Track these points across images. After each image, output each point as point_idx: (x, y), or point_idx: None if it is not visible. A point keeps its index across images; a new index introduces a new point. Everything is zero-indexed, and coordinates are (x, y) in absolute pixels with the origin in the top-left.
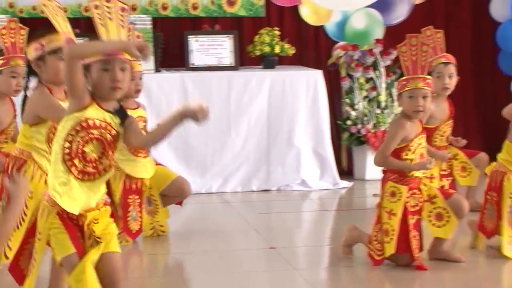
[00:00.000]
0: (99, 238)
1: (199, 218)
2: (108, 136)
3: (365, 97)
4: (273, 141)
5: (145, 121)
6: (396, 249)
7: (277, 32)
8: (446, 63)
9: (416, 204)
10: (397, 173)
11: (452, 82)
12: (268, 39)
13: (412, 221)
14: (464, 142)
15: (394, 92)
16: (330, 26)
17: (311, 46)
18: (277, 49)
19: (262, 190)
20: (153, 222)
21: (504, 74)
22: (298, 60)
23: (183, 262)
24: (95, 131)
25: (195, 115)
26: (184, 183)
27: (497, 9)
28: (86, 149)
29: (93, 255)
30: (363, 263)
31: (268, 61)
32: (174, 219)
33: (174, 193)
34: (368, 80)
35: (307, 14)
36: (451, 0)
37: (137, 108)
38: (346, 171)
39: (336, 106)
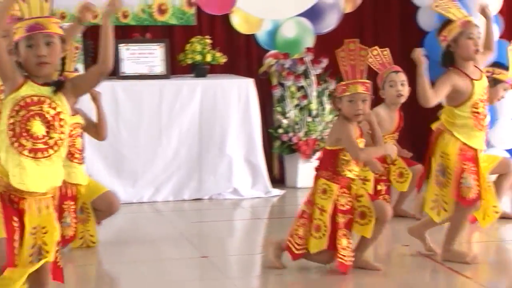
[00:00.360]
0: (47, 252)
1: (130, 228)
2: (51, 110)
3: (296, 105)
4: (205, 149)
5: (82, 128)
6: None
7: (209, 41)
8: (397, 72)
9: (346, 203)
10: (330, 171)
11: (405, 89)
12: (200, 48)
13: (342, 219)
14: (409, 154)
15: (325, 100)
16: (261, 35)
17: (243, 55)
18: (208, 58)
19: (194, 199)
20: (83, 231)
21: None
22: (229, 69)
23: (114, 273)
24: (34, 107)
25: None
26: (113, 197)
27: (425, 18)
28: (29, 127)
29: (32, 269)
30: (294, 270)
31: (199, 70)
32: (105, 229)
33: (102, 207)
34: (299, 88)
35: (239, 23)
36: (380, 8)
37: (75, 114)
38: (277, 179)
39: (267, 115)
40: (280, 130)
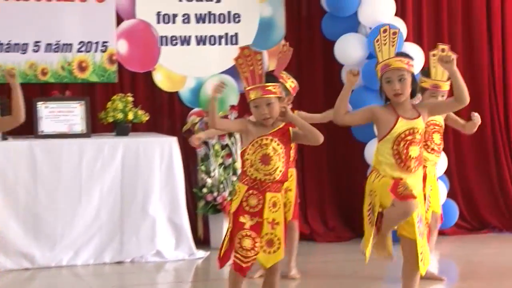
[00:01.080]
0: None
1: None
2: None
3: (221, 164)
4: (127, 210)
5: None
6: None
7: (131, 99)
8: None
9: (256, 205)
10: (242, 172)
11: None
12: (121, 106)
13: (246, 221)
14: None
15: None
16: (184, 92)
17: (166, 113)
18: (130, 116)
19: (116, 262)
20: None
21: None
22: (152, 127)
23: None
24: None
25: None
26: None
27: (341, 52)
28: None
29: None
30: None
31: (121, 128)
32: None
33: None
34: (224, 147)
35: (161, 80)
36: (304, 66)
37: None
38: (202, 241)
39: (191, 174)
40: (205, 190)
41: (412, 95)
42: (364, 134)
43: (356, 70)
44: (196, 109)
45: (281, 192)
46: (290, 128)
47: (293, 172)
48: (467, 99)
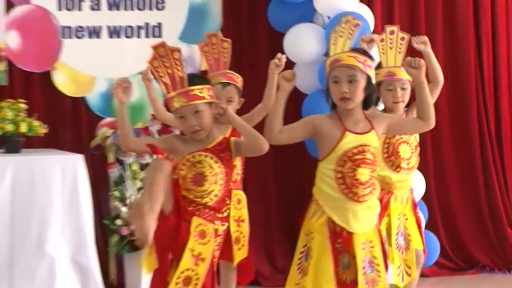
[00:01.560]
0: None
1: None
2: None
3: (140, 189)
4: (18, 248)
5: None
6: None
7: (24, 106)
8: (225, 84)
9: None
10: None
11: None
12: (11, 115)
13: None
14: None
15: None
16: (93, 98)
17: (69, 124)
18: (23, 128)
19: None
20: None
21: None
22: (51, 142)
23: None
24: None
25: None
26: None
27: (292, 46)
28: None
29: None
30: None
31: (10, 143)
32: None
33: None
34: (144, 167)
35: (63, 82)
36: (245, 47)
37: None
38: (115, 285)
39: (102, 201)
40: (119, 222)
41: (367, 104)
42: None
43: (290, 72)
44: (108, 119)
45: (215, 225)
46: (231, 139)
47: (241, 196)
48: (433, 120)
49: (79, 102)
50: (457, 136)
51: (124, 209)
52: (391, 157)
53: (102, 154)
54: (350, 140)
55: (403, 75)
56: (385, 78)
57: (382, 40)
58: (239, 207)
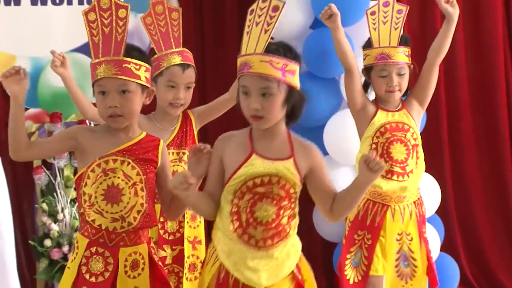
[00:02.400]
0: None
1: None
2: None
3: (75, 200)
4: None
5: None
6: None
7: None
8: (184, 65)
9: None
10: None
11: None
12: None
13: None
14: None
15: None
16: None
17: None
18: None
19: None
20: None
21: None
22: None
23: None
24: None
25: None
26: None
27: None
28: None
29: None
30: None
31: None
32: None
33: None
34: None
35: None
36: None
37: None
38: None
39: (26, 216)
40: (48, 242)
41: (292, 118)
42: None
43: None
44: (33, 110)
45: (144, 245)
46: (161, 145)
47: None
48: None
49: None
50: (482, 136)
51: (55, 227)
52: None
53: None
54: (257, 166)
55: (400, 57)
56: (378, 61)
57: (373, 14)
58: (194, 224)
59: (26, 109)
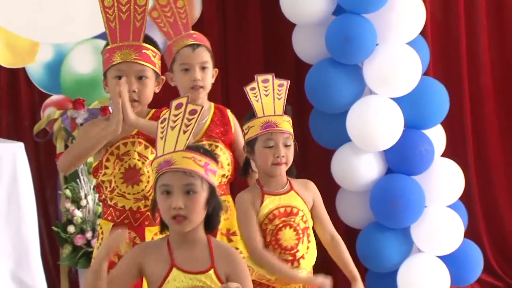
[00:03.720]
0: None
1: None
2: None
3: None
4: None
5: None
6: None
7: None
8: (194, 45)
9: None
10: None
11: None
12: None
13: None
14: None
15: None
16: (36, 70)
17: (5, 103)
18: None
19: None
20: None
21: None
22: None
23: None
24: None
25: None
26: None
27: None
28: None
29: None
30: None
31: None
32: None
33: None
34: None
35: None
36: (229, 5)
37: None
38: None
39: (49, 202)
40: (71, 229)
41: (209, 226)
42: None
43: None
44: (55, 97)
45: None
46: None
47: (229, 202)
48: None
49: (18, 75)
50: (505, 122)
51: (78, 213)
52: (268, 247)
53: (49, 141)
54: (179, 281)
55: (287, 126)
56: (263, 130)
57: (253, 89)
58: (226, 216)
59: (49, 95)
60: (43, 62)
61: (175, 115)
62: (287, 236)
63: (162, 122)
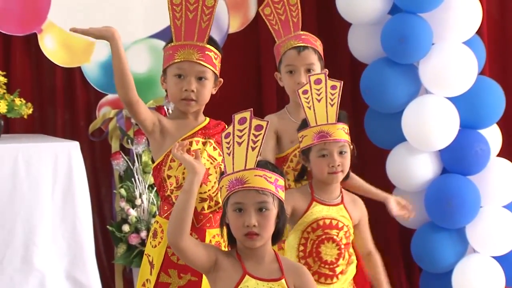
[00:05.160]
0: None
1: None
2: None
3: (153, 185)
4: None
5: None
6: None
7: (3, 79)
8: (300, 47)
9: None
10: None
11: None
12: None
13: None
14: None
15: None
16: (91, 69)
17: (61, 102)
18: (2, 107)
19: None
20: None
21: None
22: (39, 125)
23: None
24: None
25: None
26: None
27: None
28: None
29: None
30: None
31: None
32: None
33: None
34: None
35: (53, 49)
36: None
37: None
38: None
39: (104, 202)
40: (126, 228)
41: (275, 239)
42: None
43: None
44: (111, 96)
45: None
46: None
47: None
48: None
49: (74, 75)
50: None
51: (133, 212)
52: (308, 258)
53: (104, 141)
54: (252, 287)
55: (341, 134)
56: (316, 140)
57: (305, 92)
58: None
59: (105, 95)
60: (98, 61)
61: (240, 130)
62: (329, 250)
63: (226, 137)
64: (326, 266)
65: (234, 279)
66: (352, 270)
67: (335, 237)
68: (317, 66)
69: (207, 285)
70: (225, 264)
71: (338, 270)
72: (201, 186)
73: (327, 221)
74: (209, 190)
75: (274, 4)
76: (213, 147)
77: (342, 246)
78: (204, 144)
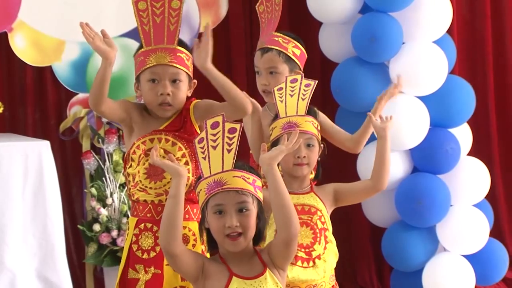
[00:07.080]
0: None
1: None
2: None
3: (123, 185)
4: None
5: None
6: None
7: None
8: (264, 50)
9: (151, 247)
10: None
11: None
12: None
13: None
14: None
15: None
16: (62, 68)
17: (32, 101)
18: None
19: None
20: None
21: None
22: (10, 124)
23: None
24: None
25: None
26: None
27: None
28: None
29: None
30: None
31: None
32: None
33: None
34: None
35: (24, 48)
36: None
37: None
38: None
39: (75, 201)
40: (97, 227)
41: (257, 239)
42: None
43: None
44: (81, 95)
45: (194, 222)
46: (192, 104)
47: None
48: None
49: (45, 74)
50: None
51: (104, 211)
52: None
53: (74, 140)
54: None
55: (309, 126)
56: (284, 130)
57: (280, 89)
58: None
59: (75, 94)
60: (69, 60)
61: (213, 135)
62: (303, 234)
63: (200, 142)
64: (302, 250)
65: (222, 283)
66: (331, 261)
67: (308, 221)
68: (282, 68)
69: (169, 278)
70: (211, 270)
71: (314, 254)
72: (155, 182)
73: (299, 208)
74: (164, 186)
75: (266, 2)
76: (172, 142)
77: (317, 230)
78: (159, 140)
